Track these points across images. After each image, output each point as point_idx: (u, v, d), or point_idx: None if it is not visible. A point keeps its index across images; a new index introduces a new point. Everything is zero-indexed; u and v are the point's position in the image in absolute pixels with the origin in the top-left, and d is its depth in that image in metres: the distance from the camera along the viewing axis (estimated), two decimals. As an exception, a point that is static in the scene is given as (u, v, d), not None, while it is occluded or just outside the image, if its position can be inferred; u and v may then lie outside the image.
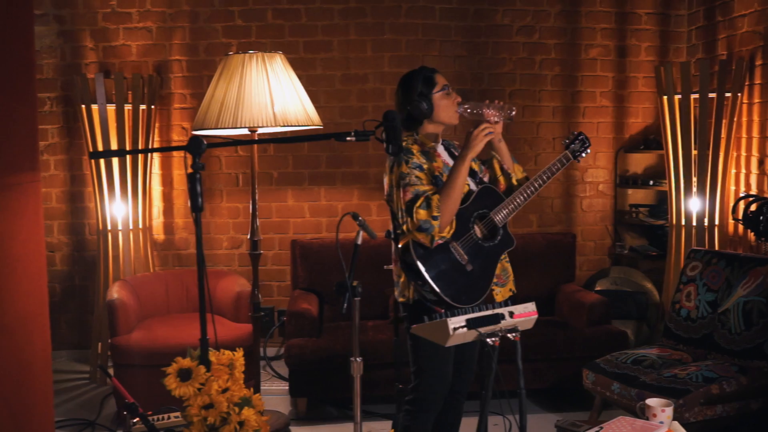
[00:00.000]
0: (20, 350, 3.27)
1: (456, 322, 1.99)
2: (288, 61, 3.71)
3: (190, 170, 2.21)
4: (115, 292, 4.12)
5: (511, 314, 2.10)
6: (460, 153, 2.66)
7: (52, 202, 5.01)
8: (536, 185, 2.78)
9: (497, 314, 2.06)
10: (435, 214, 2.55)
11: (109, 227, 4.65)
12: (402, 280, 2.75)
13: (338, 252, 2.33)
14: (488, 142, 2.72)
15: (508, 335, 2.06)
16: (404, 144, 2.72)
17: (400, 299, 2.80)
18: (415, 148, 2.72)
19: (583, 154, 2.94)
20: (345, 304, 2.30)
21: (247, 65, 3.50)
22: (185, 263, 5.01)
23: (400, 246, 2.65)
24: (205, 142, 2.21)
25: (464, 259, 2.65)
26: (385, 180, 2.77)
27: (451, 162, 2.80)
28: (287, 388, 4.09)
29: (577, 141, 2.92)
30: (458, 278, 2.63)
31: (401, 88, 2.81)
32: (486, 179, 2.90)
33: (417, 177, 2.64)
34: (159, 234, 5.04)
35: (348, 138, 2.31)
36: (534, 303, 2.16)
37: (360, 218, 2.36)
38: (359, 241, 2.33)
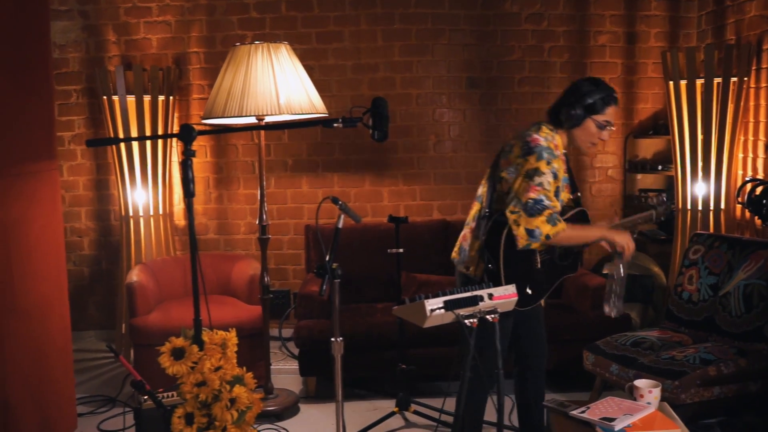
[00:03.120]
0: (40, 332, 3.34)
1: (433, 303, 1.98)
2: (299, 52, 3.70)
3: (181, 157, 2.22)
4: (135, 275, 4.18)
5: (491, 296, 2.07)
6: (605, 231, 2.68)
7: (79, 189, 5.09)
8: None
9: (476, 296, 2.04)
10: (551, 235, 2.52)
11: (131, 213, 4.71)
12: (473, 254, 2.72)
13: (318, 235, 2.33)
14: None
15: (487, 317, 2.04)
16: (545, 137, 2.64)
17: (462, 269, 2.77)
18: (555, 149, 2.64)
19: (662, 219, 2.98)
20: (324, 286, 2.29)
21: (253, 56, 3.50)
22: (204, 248, 5.06)
23: (488, 228, 2.61)
24: (196, 130, 2.22)
25: (537, 268, 2.64)
26: (510, 156, 2.66)
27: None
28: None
29: (664, 204, 2.90)
30: (525, 280, 2.59)
31: (579, 88, 2.71)
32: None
33: (548, 183, 2.56)
34: (180, 219, 5.09)
35: (335, 124, 2.30)
36: (514, 285, 2.13)
37: (340, 202, 2.35)
38: (340, 225, 2.32)
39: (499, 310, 2.07)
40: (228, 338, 2.31)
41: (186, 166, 2.20)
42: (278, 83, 3.45)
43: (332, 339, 2.38)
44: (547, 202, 2.52)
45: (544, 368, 2.96)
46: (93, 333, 5.16)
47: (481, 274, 2.66)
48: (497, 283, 2.51)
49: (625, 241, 2.66)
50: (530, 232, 2.49)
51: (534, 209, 2.50)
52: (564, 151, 2.74)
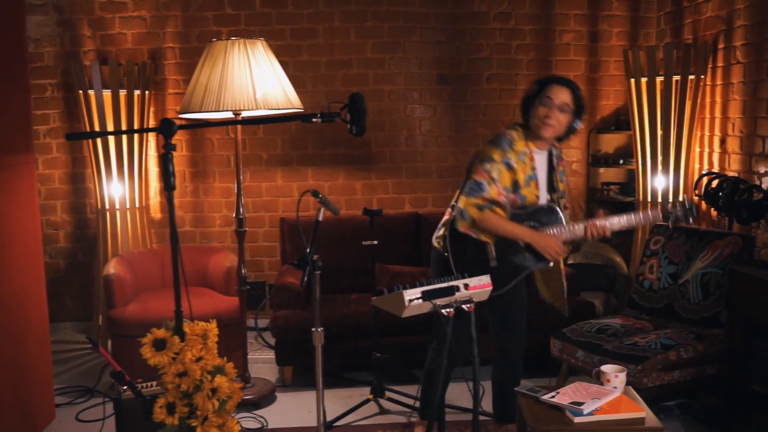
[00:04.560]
0: (18, 323, 3.27)
1: (412, 294, 1.97)
2: (274, 48, 3.66)
3: (161, 151, 2.18)
4: (112, 267, 4.11)
5: (466, 286, 2.07)
6: (531, 234, 2.69)
7: (54, 182, 4.98)
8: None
9: (452, 286, 2.04)
10: (476, 220, 2.60)
11: (107, 206, 4.63)
12: (440, 233, 2.82)
13: (299, 228, 2.31)
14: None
15: (463, 306, 2.04)
16: (513, 132, 2.70)
17: (434, 243, 2.85)
18: (518, 145, 2.69)
19: (682, 223, 2.92)
20: (305, 278, 2.27)
21: (229, 51, 3.45)
22: (180, 240, 4.92)
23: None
24: (177, 124, 2.18)
25: (492, 260, 2.68)
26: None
27: (541, 169, 2.78)
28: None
29: (680, 209, 2.83)
30: (475, 268, 2.61)
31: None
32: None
33: (498, 172, 2.63)
34: (156, 212, 5.01)
35: (314, 120, 2.28)
36: (489, 276, 2.14)
37: (320, 195, 2.33)
38: (320, 218, 2.30)
39: (474, 299, 2.08)
40: (209, 329, 2.28)
41: (166, 159, 2.16)
42: (255, 79, 3.41)
43: (313, 329, 2.36)
44: (486, 187, 2.60)
45: (520, 354, 2.99)
46: (70, 324, 5.07)
47: (440, 248, 2.78)
48: (449, 272, 2.58)
49: (550, 248, 2.71)
50: (461, 212, 2.62)
51: (472, 190, 2.60)
52: (528, 151, 2.75)
